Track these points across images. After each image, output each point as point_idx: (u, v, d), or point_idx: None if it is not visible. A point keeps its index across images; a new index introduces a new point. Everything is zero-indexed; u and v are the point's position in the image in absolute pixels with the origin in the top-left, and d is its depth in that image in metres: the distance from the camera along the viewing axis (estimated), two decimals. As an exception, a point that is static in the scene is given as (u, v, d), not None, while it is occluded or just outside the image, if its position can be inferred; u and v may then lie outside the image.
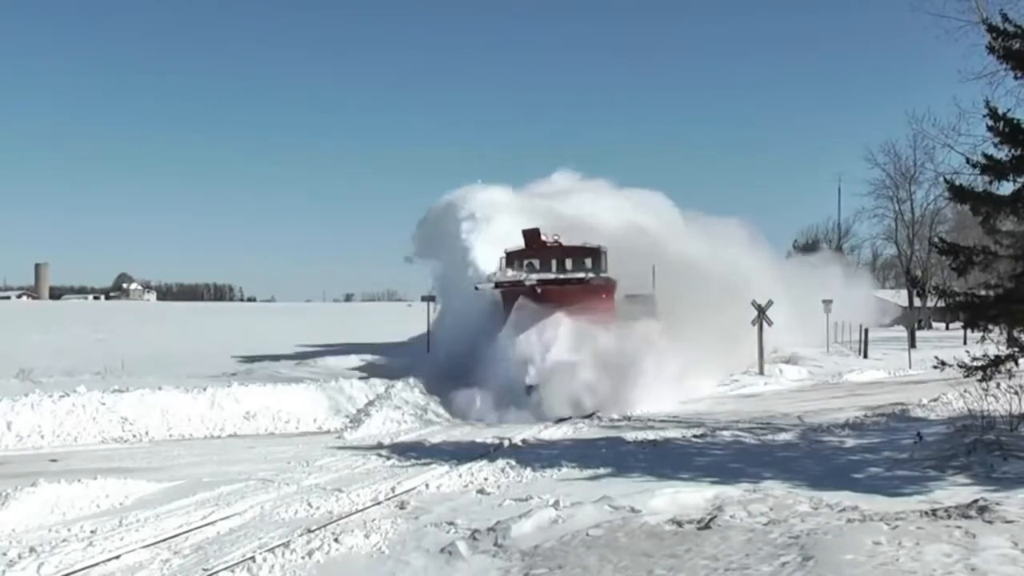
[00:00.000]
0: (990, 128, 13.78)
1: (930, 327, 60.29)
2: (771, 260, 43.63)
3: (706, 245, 32.81)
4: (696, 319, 24.77)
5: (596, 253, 24.21)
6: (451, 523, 10.49)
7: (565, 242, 24.11)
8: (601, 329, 22.06)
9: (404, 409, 20.82)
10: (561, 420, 19.81)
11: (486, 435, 18.11)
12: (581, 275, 22.46)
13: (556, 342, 21.57)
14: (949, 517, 9.31)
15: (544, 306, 21.90)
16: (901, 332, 40.32)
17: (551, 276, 22.46)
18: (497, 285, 22.33)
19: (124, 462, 15.33)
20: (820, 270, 48.48)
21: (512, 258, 23.91)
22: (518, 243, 24.13)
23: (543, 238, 23.31)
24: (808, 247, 65.92)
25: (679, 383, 23.02)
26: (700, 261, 29.72)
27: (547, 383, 21.05)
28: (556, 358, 21.32)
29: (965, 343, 23.18)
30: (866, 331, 39.34)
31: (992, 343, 14.75)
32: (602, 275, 23.51)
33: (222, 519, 11.05)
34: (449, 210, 30.85)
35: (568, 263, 24.13)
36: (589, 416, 20.29)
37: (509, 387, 21.29)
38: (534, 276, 22.29)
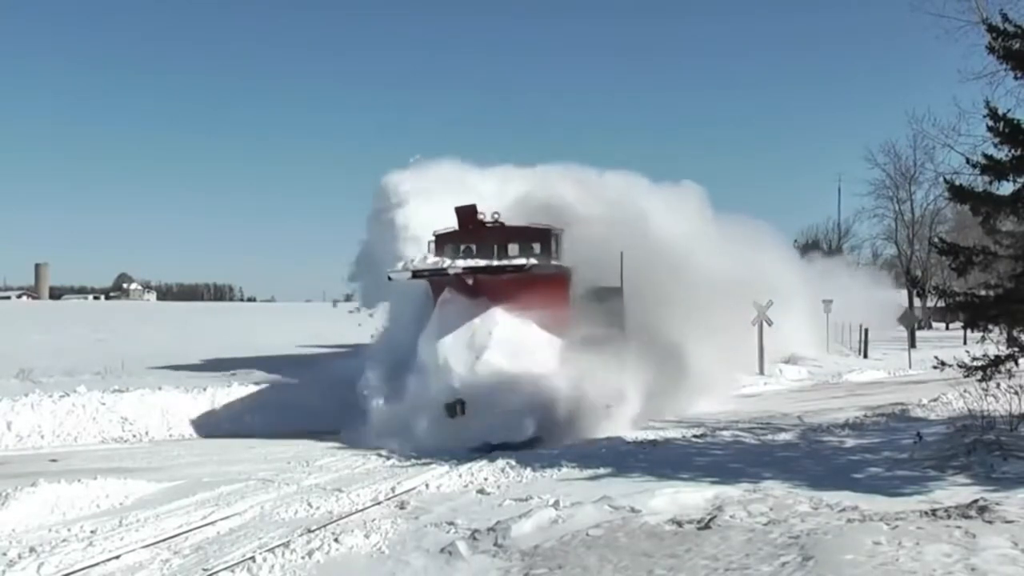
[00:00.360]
0: (990, 128, 13.79)
1: (930, 327, 60.34)
2: (797, 263, 43.37)
3: (729, 245, 29.56)
4: (690, 319, 22.13)
5: (546, 235, 19.20)
6: (451, 523, 10.49)
7: (508, 221, 19.25)
8: (551, 330, 17.90)
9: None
10: (493, 448, 15.82)
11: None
12: (521, 261, 17.42)
13: (490, 346, 16.93)
14: (949, 517, 9.31)
15: (476, 300, 17.46)
16: (902, 332, 40.40)
17: (483, 263, 17.52)
18: (415, 274, 17.42)
19: (124, 462, 15.35)
20: (842, 273, 48.99)
21: (443, 242, 18.99)
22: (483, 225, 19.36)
23: (480, 216, 18.68)
24: (808, 247, 65.97)
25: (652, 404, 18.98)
26: (710, 259, 26.17)
27: (475, 399, 16.51)
28: (489, 366, 16.76)
29: (965, 343, 23.20)
30: (866, 331, 39.41)
31: (992, 343, 14.76)
32: (553, 262, 18.81)
33: (222, 519, 11.05)
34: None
35: (512, 248, 18.98)
36: (531, 442, 16.39)
37: (427, 404, 16.79)
38: (460, 262, 17.42)
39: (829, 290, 39.47)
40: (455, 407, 16.45)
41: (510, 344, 17.07)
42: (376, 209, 24.72)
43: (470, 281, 17.36)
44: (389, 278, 17.79)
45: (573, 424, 16.96)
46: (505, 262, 17.70)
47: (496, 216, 19.00)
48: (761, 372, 30.61)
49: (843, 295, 39.50)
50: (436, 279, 17.78)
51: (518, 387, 16.65)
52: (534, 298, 17.44)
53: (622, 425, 17.56)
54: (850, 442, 15.92)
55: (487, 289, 17.49)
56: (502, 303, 17.39)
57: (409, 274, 17.48)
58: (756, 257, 32.72)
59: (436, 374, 16.94)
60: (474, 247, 18.95)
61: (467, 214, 18.60)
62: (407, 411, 16.85)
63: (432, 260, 17.78)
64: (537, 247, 19.12)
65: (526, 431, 16.56)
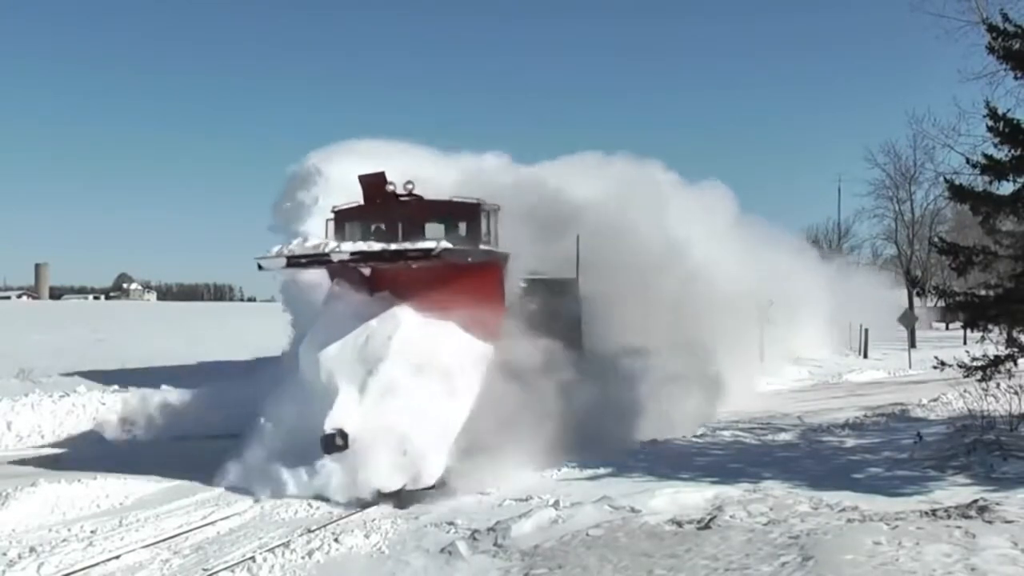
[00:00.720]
0: (990, 128, 13.82)
1: (930, 327, 60.30)
2: (817, 265, 43.19)
3: (753, 248, 28.07)
4: (714, 325, 20.53)
5: (474, 212, 14.61)
6: (451, 523, 10.49)
7: (429, 195, 14.67)
8: (478, 334, 13.53)
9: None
10: (386, 495, 11.94)
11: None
12: (429, 244, 12.95)
13: (388, 356, 12.78)
14: (949, 517, 9.33)
15: (375, 296, 13.73)
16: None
17: (379, 247, 13.23)
18: (291, 261, 13.42)
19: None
20: (857, 272, 49.27)
21: (344, 219, 14.73)
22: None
23: (389, 187, 14.25)
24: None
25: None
26: (734, 264, 24.06)
27: (364, 429, 12.24)
28: (385, 383, 12.64)
29: (965, 343, 23.20)
30: (866, 331, 39.43)
31: (992, 343, 14.77)
32: (482, 247, 14.33)
33: (222, 519, 11.06)
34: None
35: (433, 229, 14.53)
36: (434, 487, 12.07)
37: (302, 436, 12.62)
38: (347, 245, 13.16)
39: (846, 291, 39.57)
40: (334, 439, 12.21)
41: (417, 353, 12.97)
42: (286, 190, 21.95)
43: (366, 271, 13.81)
44: (260, 267, 13.68)
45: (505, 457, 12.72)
46: (407, 245, 13.12)
47: (410, 187, 14.44)
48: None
49: (859, 295, 39.57)
50: (333, 270, 13.96)
51: (425, 412, 12.42)
52: (455, 293, 13.34)
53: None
54: (850, 442, 15.94)
55: (390, 281, 13.74)
56: (410, 299, 13.45)
57: (283, 261, 13.44)
58: (777, 259, 32.13)
59: (316, 395, 12.85)
60: (384, 226, 14.58)
61: (373, 184, 14.41)
62: (278, 446, 12.82)
63: (312, 243, 13.67)
64: (463, 227, 14.79)
65: (432, 474, 12.13)
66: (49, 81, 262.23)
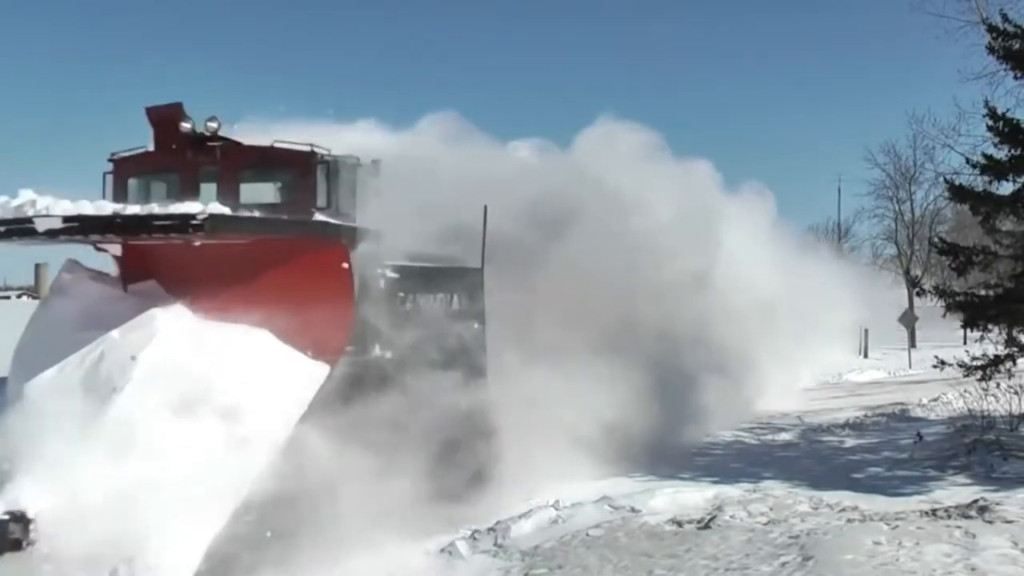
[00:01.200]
0: (990, 128, 13.82)
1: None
2: (841, 269, 43.08)
3: (786, 254, 26.56)
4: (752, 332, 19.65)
5: (306, 164, 9.81)
6: (451, 523, 10.46)
7: (248, 139, 10.33)
8: (307, 349, 9.01)
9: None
10: None
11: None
12: (192, 209, 7.87)
13: (125, 390, 8.01)
14: (949, 517, 9.34)
15: (131, 291, 9.27)
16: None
17: (111, 209, 8.35)
18: None
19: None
20: (863, 276, 49.50)
21: (128, 171, 10.30)
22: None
23: (186, 127, 9.77)
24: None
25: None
26: (771, 271, 23.11)
27: (61, 519, 7.30)
28: (118, 435, 7.73)
29: (965, 343, 23.19)
30: (866, 331, 39.41)
31: (992, 343, 14.77)
32: (319, 216, 9.69)
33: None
34: None
35: (253, 189, 10.21)
36: None
37: None
38: (63, 207, 8.09)
39: (855, 291, 39.56)
40: (5, 531, 7.28)
41: (182, 381, 8.24)
42: None
43: (115, 250, 9.54)
44: None
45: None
46: (155, 209, 8.11)
47: (213, 127, 9.89)
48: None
49: (860, 295, 39.51)
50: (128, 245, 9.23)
51: (182, 479, 7.56)
52: (267, 285, 8.81)
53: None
54: (850, 442, 15.94)
55: (157, 267, 9.22)
56: (186, 295, 8.91)
57: None
58: (800, 262, 31.63)
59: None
60: (179, 180, 10.03)
61: (164, 121, 9.83)
62: None
63: (18, 203, 8.25)
64: (290, 183, 10.24)
65: None
66: (49, 81, 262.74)
